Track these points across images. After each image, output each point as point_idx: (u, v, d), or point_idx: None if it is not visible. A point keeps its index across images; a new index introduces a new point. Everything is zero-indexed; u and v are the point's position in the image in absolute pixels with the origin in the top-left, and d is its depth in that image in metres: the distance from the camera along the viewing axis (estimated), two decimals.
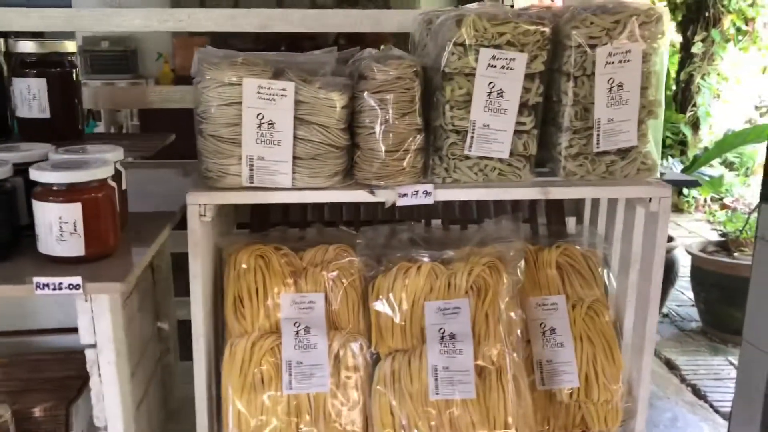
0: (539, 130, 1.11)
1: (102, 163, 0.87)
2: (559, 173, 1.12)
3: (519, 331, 1.16)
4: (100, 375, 0.97)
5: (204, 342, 1.09)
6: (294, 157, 1.02)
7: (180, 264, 1.32)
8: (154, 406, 1.26)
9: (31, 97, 1.16)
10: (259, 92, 0.99)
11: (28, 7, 1.42)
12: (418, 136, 1.05)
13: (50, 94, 1.17)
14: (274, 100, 0.99)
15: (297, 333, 1.11)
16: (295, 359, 1.10)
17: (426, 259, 1.17)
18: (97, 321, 0.94)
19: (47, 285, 0.78)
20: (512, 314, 1.15)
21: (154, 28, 1.47)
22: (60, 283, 0.78)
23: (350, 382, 1.12)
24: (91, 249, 0.83)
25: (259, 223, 1.27)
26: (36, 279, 0.78)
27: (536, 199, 1.31)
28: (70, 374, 1.17)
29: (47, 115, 1.17)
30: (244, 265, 1.13)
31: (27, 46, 1.16)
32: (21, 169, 0.88)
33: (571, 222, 1.40)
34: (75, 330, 1.01)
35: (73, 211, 0.81)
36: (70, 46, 1.19)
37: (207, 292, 1.09)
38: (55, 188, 0.83)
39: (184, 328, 1.37)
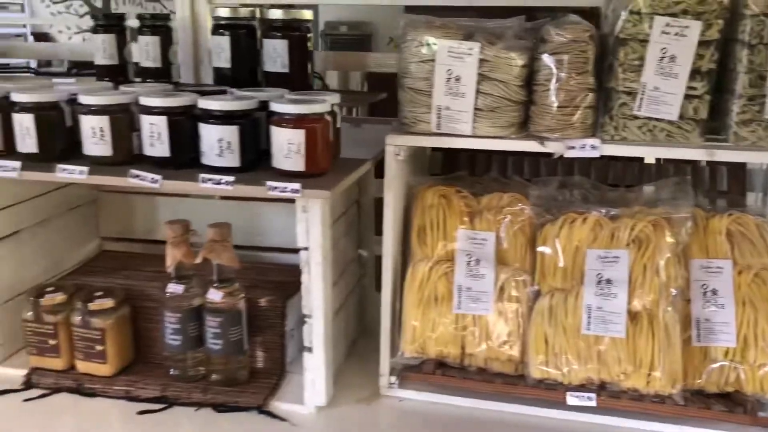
0: (713, 96, 1.17)
1: (322, 102, 1.11)
2: (730, 139, 1.17)
3: (678, 289, 1.23)
4: (309, 272, 1.23)
5: (391, 261, 1.31)
6: (475, 109, 1.19)
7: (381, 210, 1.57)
8: (351, 317, 1.52)
9: (276, 55, 1.45)
10: (449, 51, 1.17)
11: None
12: (590, 94, 1.17)
13: (290, 53, 1.44)
14: (461, 58, 1.17)
15: (468, 263, 1.29)
16: (465, 285, 1.28)
17: (593, 213, 1.28)
18: (311, 228, 1.20)
19: (276, 188, 1.04)
20: (671, 270, 1.22)
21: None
22: (286, 187, 1.03)
23: (511, 311, 1.27)
24: (309, 166, 1.08)
25: (448, 172, 1.46)
26: (269, 183, 1.04)
27: (714, 166, 1.36)
28: (287, 280, 1.46)
29: (287, 70, 1.45)
30: (428, 202, 1.33)
31: (276, 14, 1.45)
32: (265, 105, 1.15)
33: (752, 198, 1.42)
34: (290, 250, 1.29)
35: (299, 136, 1.06)
36: (307, 15, 1.46)
37: (397, 220, 1.31)
38: (287, 117, 1.08)
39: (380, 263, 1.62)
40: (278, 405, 1.32)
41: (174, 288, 1.33)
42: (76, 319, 1.36)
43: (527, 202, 1.32)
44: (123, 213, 1.76)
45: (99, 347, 1.36)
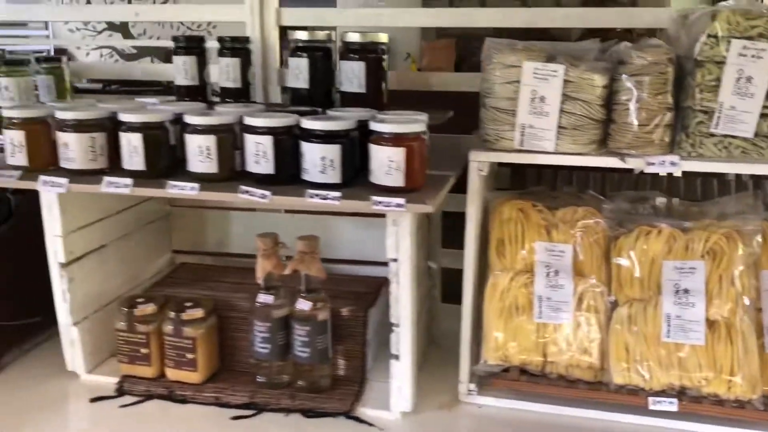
0: None
1: (419, 121, 1.18)
2: None
3: (751, 298, 1.28)
4: (398, 283, 1.29)
5: (472, 272, 1.37)
6: (558, 127, 1.25)
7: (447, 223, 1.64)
8: (422, 327, 1.58)
9: (353, 76, 1.52)
10: (534, 73, 1.23)
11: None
12: (668, 113, 1.23)
13: (366, 75, 1.51)
14: (546, 79, 1.23)
15: (548, 274, 1.35)
16: (545, 295, 1.33)
17: (665, 226, 1.34)
18: (400, 240, 1.26)
19: (381, 202, 1.10)
20: (745, 281, 1.28)
21: (430, 24, 1.78)
22: (390, 202, 1.09)
23: (590, 321, 1.33)
24: (408, 182, 1.14)
25: (517, 186, 1.52)
26: (374, 198, 1.11)
27: None
28: (365, 290, 1.52)
29: (363, 90, 1.52)
30: (506, 215, 1.39)
31: (353, 37, 1.52)
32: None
33: None
34: (359, 262, 1.33)
35: (399, 154, 1.13)
36: (383, 38, 1.53)
37: (477, 233, 1.37)
38: (386, 136, 1.15)
39: (446, 274, 1.68)
40: (364, 411, 1.38)
41: (264, 298, 1.39)
42: (168, 328, 1.43)
43: (600, 216, 1.38)
44: (195, 227, 1.83)
45: (190, 355, 1.42)
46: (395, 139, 1.14)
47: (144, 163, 1.24)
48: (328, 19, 1.83)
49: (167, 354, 1.44)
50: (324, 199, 1.13)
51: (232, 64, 1.61)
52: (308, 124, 1.18)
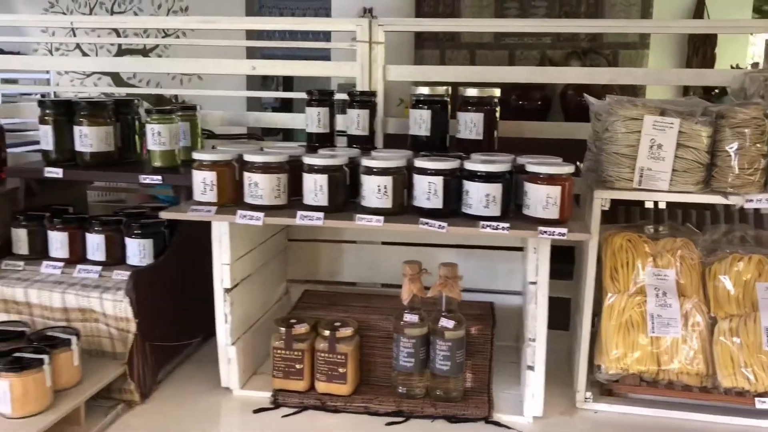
0: None
1: (563, 164, 1.41)
2: None
3: None
4: (536, 303, 1.51)
5: (591, 294, 1.59)
6: (672, 170, 1.49)
7: None
8: None
9: (471, 125, 1.75)
10: (654, 124, 1.48)
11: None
12: (764, 159, 1.49)
13: (484, 124, 1.75)
14: (663, 130, 1.48)
15: (657, 295, 1.57)
16: (656, 313, 1.56)
17: (754, 254, 1.58)
18: (540, 265, 1.48)
19: (546, 231, 1.32)
20: None
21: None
22: (553, 231, 1.32)
23: (695, 333, 1.55)
24: (562, 215, 1.37)
25: (610, 221, 1.76)
26: (540, 227, 1.33)
27: None
28: (479, 312, 1.74)
29: (480, 137, 1.76)
30: (618, 245, 1.62)
31: (472, 92, 1.76)
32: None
33: None
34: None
35: (556, 191, 1.36)
36: (496, 92, 1.78)
37: (594, 260, 1.60)
38: (541, 176, 1.38)
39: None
40: (500, 416, 1.57)
41: (410, 317, 1.59)
42: (322, 345, 1.61)
43: (693, 246, 1.62)
44: (308, 258, 2.02)
45: (341, 369, 1.61)
46: (551, 179, 1.37)
47: (327, 199, 1.45)
48: (429, 75, 2.08)
49: (319, 369, 1.62)
50: (495, 229, 1.35)
51: (362, 114, 1.83)
52: (473, 166, 1.41)
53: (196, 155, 1.52)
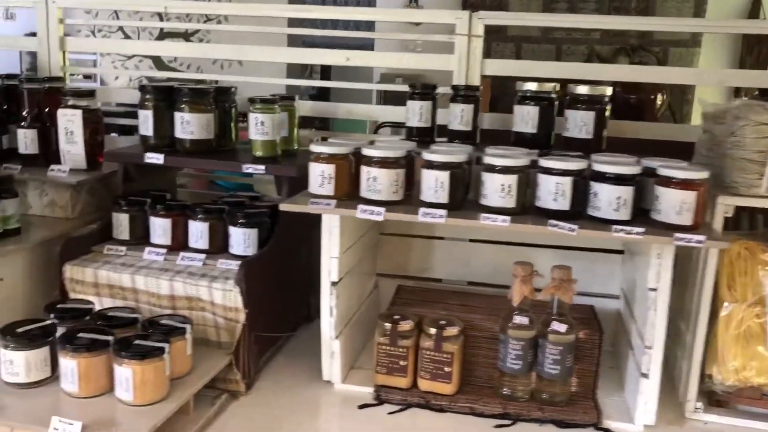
0: None
1: (697, 168, 1.37)
2: None
3: None
4: (656, 309, 1.47)
5: (708, 303, 1.54)
6: None
7: None
8: None
9: (582, 124, 1.71)
10: None
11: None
12: None
13: (595, 122, 1.71)
14: None
15: None
16: None
17: None
18: (662, 272, 1.44)
19: (683, 238, 1.29)
20: None
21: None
22: (691, 238, 1.28)
23: None
24: (696, 221, 1.33)
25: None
26: (677, 234, 1.30)
27: None
28: (581, 316, 1.70)
29: (590, 136, 1.72)
30: (735, 254, 1.57)
31: (583, 89, 1.72)
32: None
33: None
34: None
35: (691, 196, 1.32)
36: (608, 91, 1.73)
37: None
38: (675, 180, 1.34)
39: None
40: (609, 423, 1.54)
41: (520, 319, 1.56)
42: (428, 343, 1.59)
43: None
44: (399, 253, 2.00)
45: (447, 369, 1.59)
46: (686, 184, 1.33)
47: (448, 196, 1.42)
48: (527, 70, 2.03)
49: (424, 366, 1.60)
50: (628, 234, 1.32)
51: (466, 109, 1.80)
52: (603, 167, 1.37)
53: (314, 148, 1.50)
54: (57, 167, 1.85)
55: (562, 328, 1.54)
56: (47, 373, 1.41)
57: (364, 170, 1.47)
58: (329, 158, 1.49)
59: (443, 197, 1.43)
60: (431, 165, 1.44)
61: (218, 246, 1.74)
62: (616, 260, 1.88)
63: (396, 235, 2.00)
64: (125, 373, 1.33)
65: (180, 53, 2.32)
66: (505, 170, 1.41)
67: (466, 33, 1.97)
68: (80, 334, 1.39)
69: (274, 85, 2.31)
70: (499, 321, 1.62)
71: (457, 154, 1.45)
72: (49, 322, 1.44)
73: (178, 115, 1.81)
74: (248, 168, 1.77)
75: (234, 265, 1.67)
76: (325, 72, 7.87)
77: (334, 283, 1.61)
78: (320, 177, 1.48)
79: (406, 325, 1.61)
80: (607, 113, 1.75)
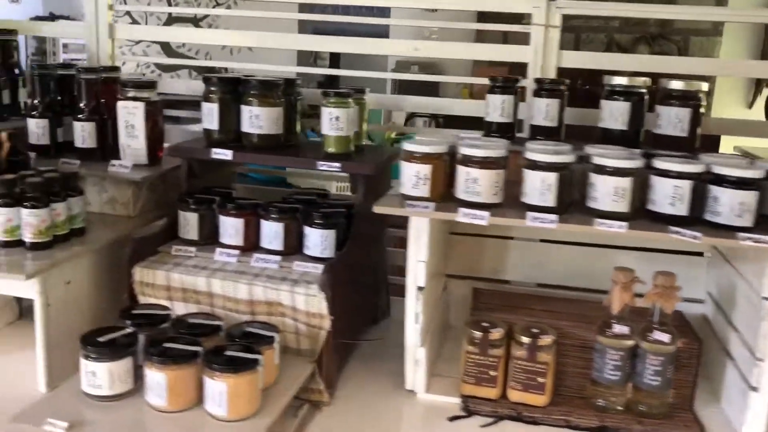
0: None
1: None
2: None
3: None
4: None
5: None
6: None
7: None
8: None
9: (677, 121, 1.62)
10: None
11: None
12: None
13: (690, 119, 1.62)
14: None
15: None
16: None
17: None
18: None
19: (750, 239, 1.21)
20: None
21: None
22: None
23: None
24: None
25: None
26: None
27: None
28: (680, 323, 1.62)
29: (685, 134, 1.63)
30: None
31: (677, 84, 1.63)
32: None
33: None
34: None
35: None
36: (704, 86, 1.64)
37: None
38: None
39: None
40: None
41: (620, 328, 1.48)
42: (521, 352, 1.51)
43: None
44: (471, 254, 1.92)
45: (541, 379, 1.51)
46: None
47: (555, 199, 1.33)
48: (606, 62, 1.94)
49: (515, 377, 1.52)
50: (757, 242, 1.23)
51: (551, 104, 1.71)
52: (724, 170, 1.28)
53: (408, 146, 1.41)
54: (118, 162, 1.76)
55: (665, 338, 1.46)
56: (130, 384, 1.32)
57: (463, 171, 1.38)
58: (425, 158, 1.40)
59: (550, 200, 1.34)
60: (536, 166, 1.35)
61: (292, 247, 1.66)
62: (698, 263, 1.80)
63: (468, 235, 1.91)
64: (218, 386, 1.25)
65: (234, 42, 2.21)
66: (619, 172, 1.32)
67: (544, 23, 1.87)
68: (166, 344, 1.30)
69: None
70: (591, 329, 1.55)
71: (563, 153, 1.36)
72: (129, 330, 1.36)
73: (246, 109, 1.72)
74: (322, 165, 1.68)
75: (311, 267, 1.59)
76: (334, 59, 7.75)
77: (420, 288, 1.53)
78: (415, 177, 1.39)
79: (496, 334, 1.53)
80: (702, 110, 1.66)
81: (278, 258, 1.62)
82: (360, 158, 1.73)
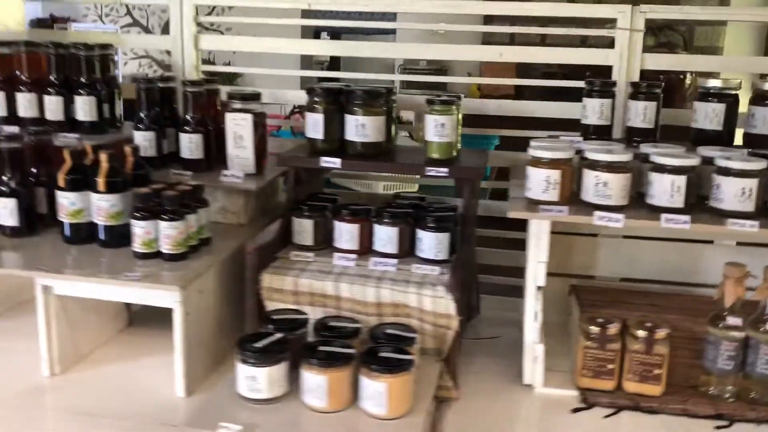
0: None
1: None
2: None
3: None
4: None
5: None
6: None
7: None
8: None
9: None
10: None
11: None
12: None
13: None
14: None
15: None
16: None
17: None
18: None
19: None
20: None
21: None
22: None
23: None
24: None
25: None
26: None
27: None
28: None
29: None
30: None
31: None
32: None
33: None
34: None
35: None
36: None
37: None
38: None
39: None
40: None
41: (734, 320, 1.55)
42: (638, 346, 1.59)
43: None
44: (562, 251, 1.99)
45: (657, 371, 1.58)
46: None
47: (683, 201, 1.41)
48: (687, 63, 2.02)
49: (632, 369, 1.60)
50: None
51: (650, 106, 1.78)
52: None
53: (535, 152, 1.48)
54: (230, 173, 1.82)
55: None
56: (286, 387, 1.39)
57: (591, 174, 1.45)
58: (553, 163, 1.47)
59: (679, 202, 1.41)
60: (662, 168, 1.42)
61: (405, 250, 1.72)
62: None
63: (559, 234, 1.98)
64: (378, 386, 1.31)
65: (325, 51, 2.26)
66: (744, 174, 1.40)
67: (628, 27, 1.94)
68: (321, 348, 1.37)
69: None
70: (697, 321, 1.62)
71: (687, 156, 1.43)
72: (280, 335, 1.42)
73: (351, 118, 1.78)
74: (429, 171, 1.74)
75: (428, 269, 1.66)
76: (334, 62, 7.77)
77: (539, 288, 1.60)
78: (545, 182, 1.47)
79: (613, 329, 1.60)
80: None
81: (395, 261, 1.69)
82: (460, 162, 1.80)
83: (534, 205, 1.50)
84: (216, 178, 1.85)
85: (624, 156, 1.44)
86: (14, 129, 1.86)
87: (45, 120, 1.95)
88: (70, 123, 1.94)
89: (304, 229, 1.76)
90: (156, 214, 1.55)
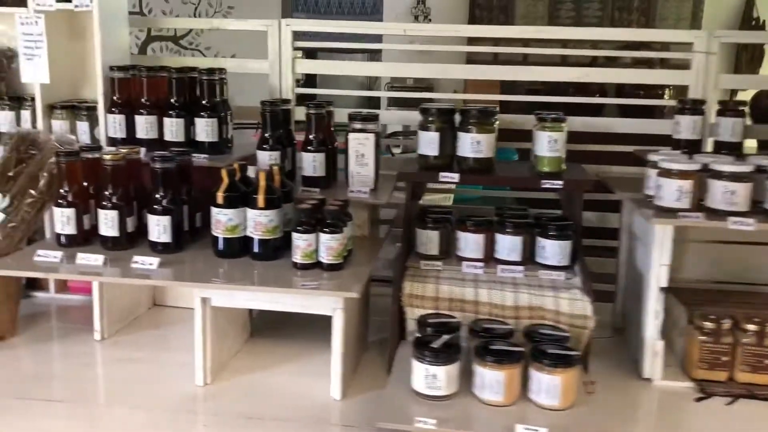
0: None
1: None
2: None
3: None
4: None
5: None
6: None
7: None
8: None
9: None
10: None
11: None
12: None
13: None
14: None
15: None
16: None
17: None
18: None
19: None
20: None
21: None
22: None
23: None
24: None
25: None
26: None
27: None
28: None
29: None
30: None
31: None
32: None
33: None
34: None
35: None
36: None
37: None
38: None
39: None
40: None
41: None
42: (748, 339, 1.75)
43: None
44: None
45: (766, 361, 1.75)
46: None
47: (747, 204, 1.59)
48: (760, 83, 2.21)
49: (745, 360, 1.76)
50: None
51: (737, 123, 1.96)
52: None
53: (665, 164, 1.64)
54: (356, 188, 1.93)
55: None
56: (458, 385, 1.51)
57: (719, 185, 1.61)
58: (683, 174, 1.63)
59: (743, 205, 1.59)
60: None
61: (526, 257, 1.86)
62: None
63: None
64: (553, 380, 1.44)
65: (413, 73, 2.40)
66: None
67: (705, 51, 2.12)
68: (492, 347, 1.49)
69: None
70: None
71: (748, 164, 1.61)
72: (448, 336, 1.54)
73: (467, 136, 1.91)
74: (545, 183, 1.88)
75: (555, 275, 1.79)
76: (310, 79, 7.87)
77: (662, 289, 1.75)
78: (677, 192, 1.62)
79: (726, 324, 1.76)
80: None
81: (521, 268, 1.82)
82: (568, 175, 1.95)
83: (666, 212, 1.65)
84: (335, 193, 1.95)
85: (748, 167, 1.61)
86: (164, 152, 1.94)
87: (164, 141, 2.03)
88: (189, 144, 2.02)
89: (430, 240, 1.89)
90: (315, 227, 1.65)
